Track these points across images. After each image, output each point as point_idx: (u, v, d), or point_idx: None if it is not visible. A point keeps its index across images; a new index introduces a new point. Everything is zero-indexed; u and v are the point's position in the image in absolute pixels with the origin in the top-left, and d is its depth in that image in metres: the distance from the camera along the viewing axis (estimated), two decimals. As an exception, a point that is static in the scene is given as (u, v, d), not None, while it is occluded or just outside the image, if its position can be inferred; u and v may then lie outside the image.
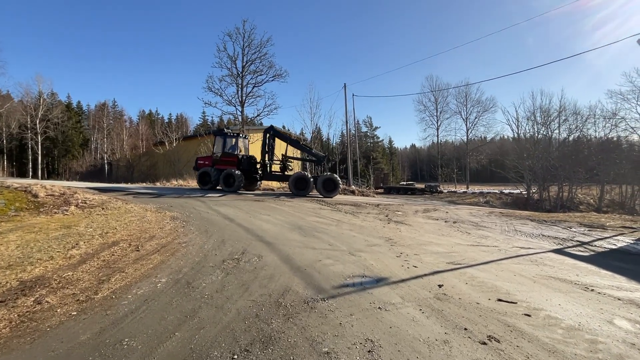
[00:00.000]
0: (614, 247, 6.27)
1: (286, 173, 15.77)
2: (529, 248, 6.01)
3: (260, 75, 22.67)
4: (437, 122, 42.04)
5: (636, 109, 26.42)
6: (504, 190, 28.47)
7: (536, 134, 25.28)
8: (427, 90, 42.69)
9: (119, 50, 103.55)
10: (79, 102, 60.66)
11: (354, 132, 38.20)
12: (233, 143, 15.91)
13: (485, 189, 33.12)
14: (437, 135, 42.45)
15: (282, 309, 3.18)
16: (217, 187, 15.32)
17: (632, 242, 6.57)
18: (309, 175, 14.84)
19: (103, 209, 8.34)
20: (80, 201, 8.97)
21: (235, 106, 22.91)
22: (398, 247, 5.82)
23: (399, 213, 10.99)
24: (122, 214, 7.86)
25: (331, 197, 14.43)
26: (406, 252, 5.43)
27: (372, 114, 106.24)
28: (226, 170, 14.77)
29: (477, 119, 40.02)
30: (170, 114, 75.62)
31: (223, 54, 22.28)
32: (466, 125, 40.30)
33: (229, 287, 3.76)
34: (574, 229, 8.35)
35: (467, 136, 40.53)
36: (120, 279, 4.02)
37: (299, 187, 14.63)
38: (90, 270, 4.31)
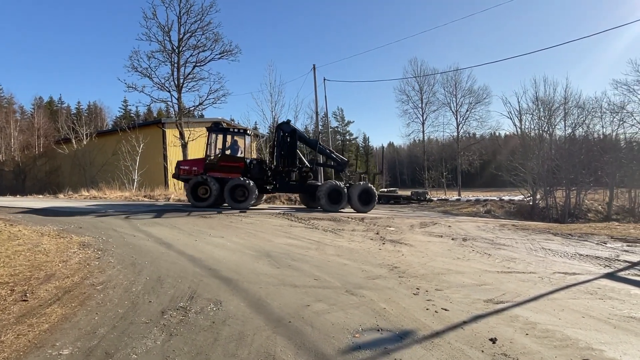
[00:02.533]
0: (672, 268, 6.22)
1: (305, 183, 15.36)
2: (575, 273, 5.74)
3: (203, 51, 21.53)
4: (422, 116, 42.94)
5: (642, 102, 28.39)
6: (503, 197, 29.41)
7: (540, 130, 26.38)
8: (410, 76, 43.54)
9: (2, 15, 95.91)
10: (-56, 85, 54.71)
11: (322, 126, 37.89)
12: (231, 142, 14.57)
13: (481, 195, 34.12)
14: (423, 131, 43.37)
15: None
16: (215, 203, 13.81)
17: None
18: (342, 185, 14.74)
19: (-27, 234, 7.01)
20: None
21: (169, 91, 21.51)
22: (409, 278, 5.27)
23: (392, 229, 10.58)
24: (3, 242, 6.62)
25: (366, 212, 14.64)
26: (423, 286, 4.89)
27: (344, 106, 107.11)
28: (233, 180, 13.53)
29: (468, 112, 41.40)
30: (78, 102, 71.25)
31: (152, 22, 20.80)
32: (456, 119, 41.53)
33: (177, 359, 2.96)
34: (609, 245, 8.38)
35: (458, 132, 41.76)
36: (-9, 355, 3.06)
37: (334, 201, 14.41)
38: (-62, 341, 3.28)
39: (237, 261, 6.07)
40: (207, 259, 6.13)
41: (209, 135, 14.36)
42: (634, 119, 28.98)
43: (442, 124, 45.39)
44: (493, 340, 3.21)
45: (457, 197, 33.43)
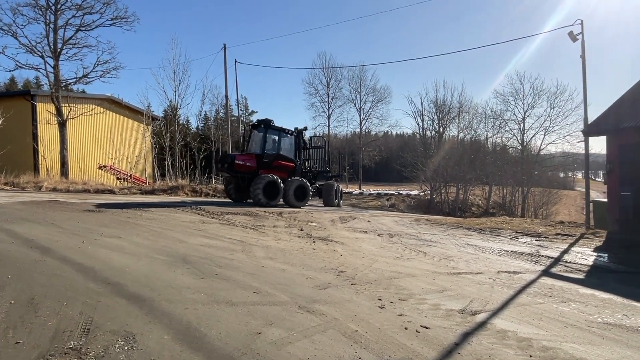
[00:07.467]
0: (587, 262, 6.70)
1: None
2: (517, 272, 5.71)
3: (90, 13, 18.25)
4: (328, 110, 43.40)
5: (514, 112, 32.76)
6: (401, 192, 31.23)
7: (436, 132, 28.47)
8: (319, 67, 43.60)
9: None
10: None
11: (224, 114, 35.79)
12: (277, 141, 15.00)
13: (381, 189, 35.81)
14: (329, 126, 43.86)
15: None
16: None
17: (595, 255, 7.25)
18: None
19: None
20: None
21: (43, 57, 17.79)
22: (364, 286, 4.60)
23: (314, 225, 9.96)
24: None
25: (340, 206, 17.86)
26: (384, 295, 4.25)
27: (250, 96, 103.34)
28: (297, 181, 14.45)
29: (371, 110, 43.07)
30: None
31: (20, -31, 16.91)
32: (360, 115, 42.91)
33: None
34: (522, 240, 8.91)
35: (361, 128, 43.21)
36: None
37: (335, 197, 16.97)
38: None
39: (146, 270, 4.73)
40: (104, 268, 4.65)
41: (265, 132, 14.53)
42: (508, 126, 33.21)
43: (347, 120, 46.49)
44: (503, 370, 2.67)
45: (360, 191, 34.51)
